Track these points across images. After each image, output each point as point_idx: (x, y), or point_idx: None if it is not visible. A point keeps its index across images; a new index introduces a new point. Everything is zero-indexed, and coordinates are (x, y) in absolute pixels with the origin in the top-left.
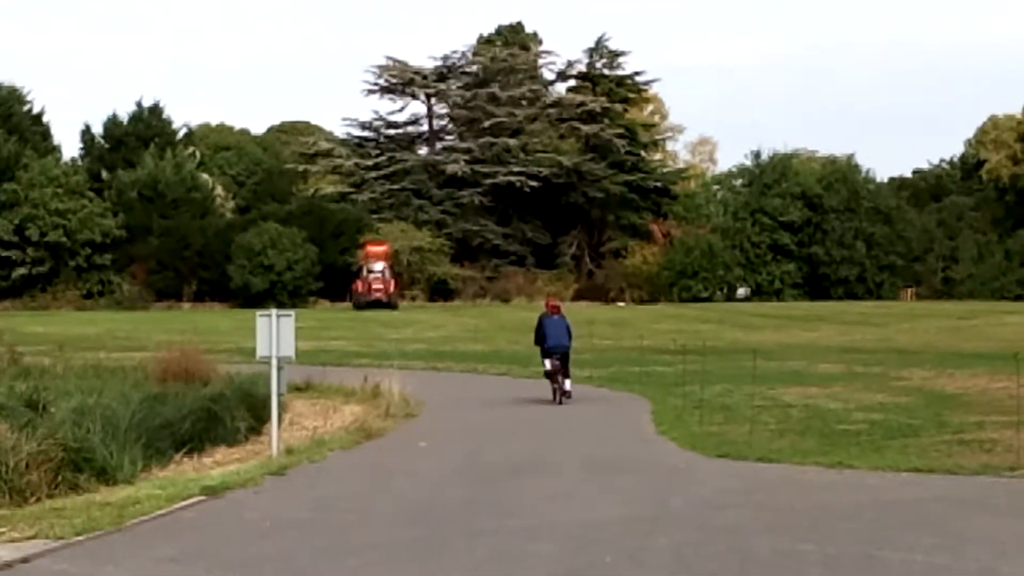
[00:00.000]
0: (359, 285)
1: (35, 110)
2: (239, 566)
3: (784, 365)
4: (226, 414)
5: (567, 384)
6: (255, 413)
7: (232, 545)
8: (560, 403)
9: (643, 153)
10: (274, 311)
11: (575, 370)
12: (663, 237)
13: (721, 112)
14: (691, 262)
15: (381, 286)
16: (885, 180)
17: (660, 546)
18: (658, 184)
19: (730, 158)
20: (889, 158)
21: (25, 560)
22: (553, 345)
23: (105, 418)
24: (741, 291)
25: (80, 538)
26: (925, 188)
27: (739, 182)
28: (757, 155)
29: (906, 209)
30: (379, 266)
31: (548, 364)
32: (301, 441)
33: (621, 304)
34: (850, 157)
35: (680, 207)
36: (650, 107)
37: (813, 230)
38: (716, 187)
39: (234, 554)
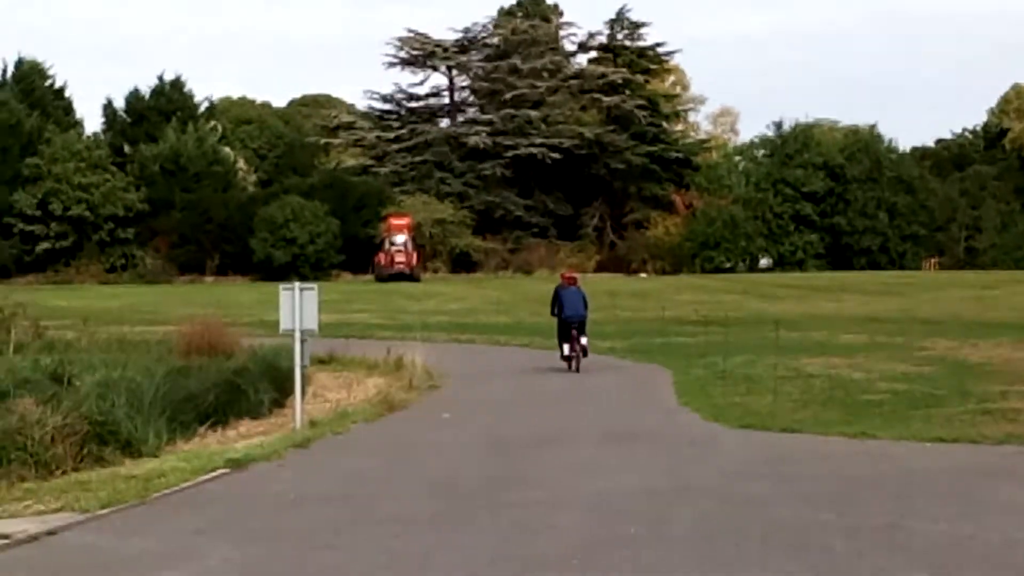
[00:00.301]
0: (381, 258)
1: (57, 84)
2: (264, 538)
3: (807, 336)
4: (250, 387)
5: (583, 340)
6: (278, 386)
7: (257, 518)
8: (577, 371)
9: (665, 124)
10: (297, 284)
11: (596, 341)
12: (685, 208)
13: (743, 83)
14: (713, 233)
15: (404, 258)
16: (908, 150)
17: (683, 517)
18: (680, 155)
19: (752, 129)
20: (912, 128)
21: (51, 533)
22: (570, 314)
23: (130, 391)
24: (763, 262)
25: (106, 511)
26: (948, 157)
27: (761, 153)
28: (779, 125)
29: (929, 179)
30: (401, 238)
31: (566, 349)
32: (324, 414)
33: (643, 275)
34: (872, 127)
35: (702, 178)
36: (671, 78)
37: (835, 200)
38: (738, 158)
39: (259, 526)
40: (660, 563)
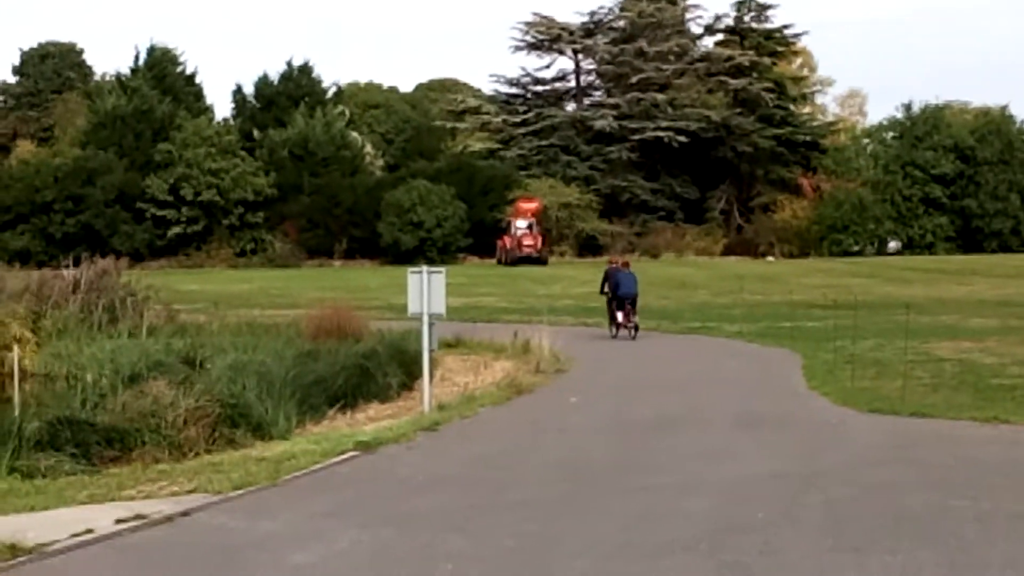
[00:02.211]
0: (507, 241)
1: (188, 71)
2: (393, 521)
3: (937, 319)
4: (378, 370)
5: (635, 319)
6: (406, 369)
7: (386, 500)
8: (633, 338)
9: (792, 107)
10: (425, 268)
11: (724, 325)
12: (812, 191)
13: (871, 64)
14: (841, 216)
15: (531, 242)
16: None
17: (813, 502)
18: (807, 138)
19: (880, 111)
20: None
21: (185, 514)
22: (625, 293)
23: (260, 374)
24: (892, 245)
25: (238, 492)
26: None
27: (890, 135)
28: (908, 107)
29: None
30: (527, 222)
31: (620, 316)
32: (452, 397)
33: (770, 259)
34: (1004, 108)
35: (830, 161)
36: (799, 60)
37: (966, 183)
38: (866, 140)
39: (388, 509)
40: (789, 548)
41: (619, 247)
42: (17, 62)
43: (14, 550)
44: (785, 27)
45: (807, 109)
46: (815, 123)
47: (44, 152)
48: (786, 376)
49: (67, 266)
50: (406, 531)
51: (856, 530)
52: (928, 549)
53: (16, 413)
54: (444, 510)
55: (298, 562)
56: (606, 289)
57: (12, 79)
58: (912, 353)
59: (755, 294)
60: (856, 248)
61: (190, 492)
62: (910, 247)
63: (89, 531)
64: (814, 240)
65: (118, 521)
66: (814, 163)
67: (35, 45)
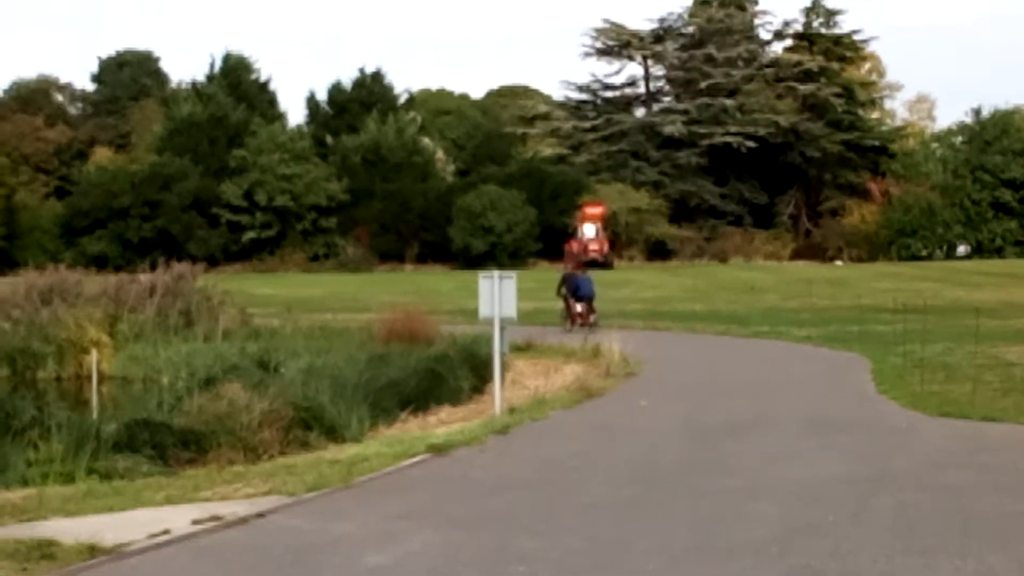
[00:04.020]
0: (574, 246)
1: (262, 78)
2: (465, 523)
3: (1006, 324)
4: (449, 374)
5: (594, 315)
6: (477, 373)
7: (458, 503)
8: (584, 329)
9: (861, 112)
10: (496, 272)
11: (792, 329)
12: (881, 195)
13: (940, 69)
14: (910, 220)
15: (597, 246)
16: None
17: (883, 506)
18: (876, 143)
19: (949, 115)
20: None
21: (260, 515)
22: (584, 294)
23: (333, 378)
24: (961, 249)
25: (312, 494)
26: None
27: (959, 139)
28: (977, 112)
29: None
30: (593, 227)
31: (579, 307)
32: (523, 400)
33: (839, 263)
34: None
35: (898, 165)
36: (867, 65)
37: None
38: (935, 145)
39: (460, 511)
40: (859, 551)
41: (688, 252)
42: (95, 70)
43: (93, 550)
44: (854, 32)
45: (876, 114)
46: (884, 128)
47: (121, 158)
48: (855, 380)
49: (143, 271)
50: (477, 533)
51: (926, 534)
52: (998, 553)
53: (94, 415)
54: (515, 512)
55: (371, 564)
56: (563, 291)
57: (90, 87)
58: (982, 357)
59: (823, 298)
60: (925, 252)
61: (265, 494)
62: (979, 251)
63: (166, 532)
64: (883, 244)
65: (194, 522)
66: (883, 168)
67: (113, 53)
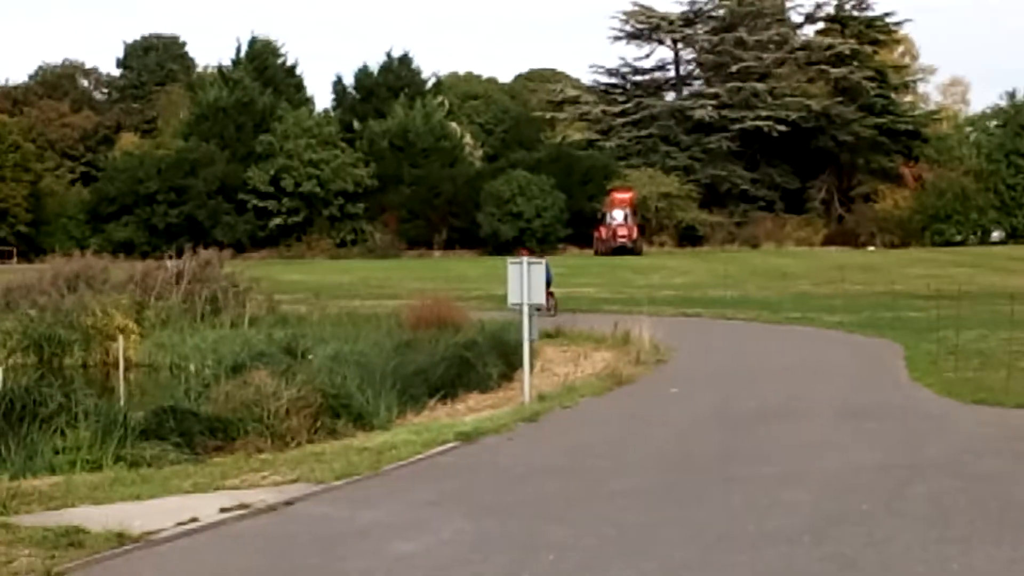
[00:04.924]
0: (602, 231)
1: (289, 63)
2: (495, 511)
3: None
4: (478, 361)
5: (552, 299)
6: (506, 360)
7: (487, 490)
8: (553, 313)
9: (893, 95)
10: (524, 258)
11: (824, 315)
12: (914, 180)
13: (974, 52)
14: (943, 205)
15: (626, 232)
16: None
17: (917, 494)
18: (909, 127)
19: (983, 99)
20: None
21: (289, 503)
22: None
23: (360, 365)
24: (996, 234)
25: (340, 482)
26: None
27: (993, 123)
28: (1012, 95)
29: None
30: (622, 212)
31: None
32: (552, 387)
33: (871, 249)
34: None
35: (932, 150)
36: (900, 48)
37: None
38: (969, 129)
39: (490, 499)
40: (893, 539)
41: (719, 237)
42: (121, 55)
43: (121, 538)
44: (887, 15)
45: (909, 98)
46: (917, 112)
47: (147, 144)
48: (888, 367)
49: (170, 257)
50: (507, 521)
51: (961, 522)
52: None
53: (121, 402)
54: (545, 500)
55: (401, 551)
56: None
57: (116, 72)
58: (1017, 343)
59: (856, 284)
60: (959, 238)
61: (293, 481)
62: (1014, 236)
63: (194, 520)
64: (916, 230)
65: (222, 510)
66: (916, 152)
67: (138, 38)
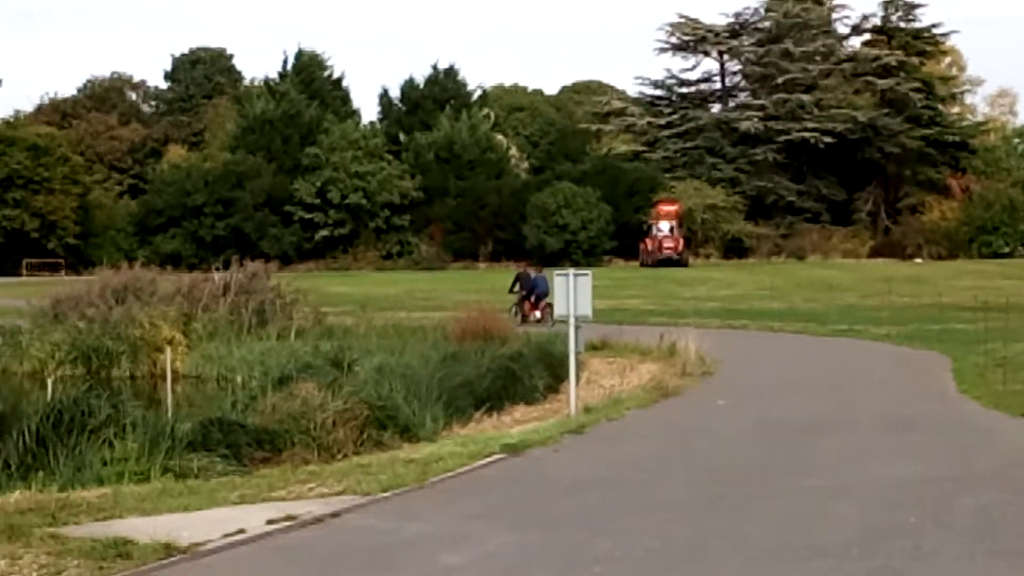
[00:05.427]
0: (648, 243)
1: (335, 75)
2: (541, 523)
3: None
4: (524, 373)
5: (549, 310)
6: (552, 371)
7: (533, 502)
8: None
9: (940, 107)
10: (571, 270)
11: (871, 328)
12: (962, 192)
13: (1022, 64)
14: (991, 217)
15: (672, 244)
16: None
17: (965, 507)
18: (956, 138)
19: None
20: None
21: (335, 515)
22: (541, 292)
23: (407, 377)
24: None
25: (386, 494)
26: None
27: None
28: None
29: None
30: (668, 224)
31: (529, 307)
32: (598, 399)
33: (918, 261)
34: None
35: (979, 161)
36: (947, 59)
37: None
38: (1017, 140)
39: (536, 511)
40: (941, 552)
41: (764, 249)
42: (169, 68)
43: (169, 549)
44: (934, 26)
45: (956, 109)
46: (964, 123)
47: (195, 156)
48: (935, 379)
49: (217, 269)
50: (553, 533)
51: (1009, 535)
52: None
53: (169, 414)
54: (591, 512)
55: (447, 563)
56: (517, 288)
57: (164, 85)
58: None
59: (903, 296)
60: (1007, 249)
61: (339, 493)
62: None
63: (241, 531)
64: (963, 241)
65: (269, 521)
66: (963, 164)
67: (186, 51)
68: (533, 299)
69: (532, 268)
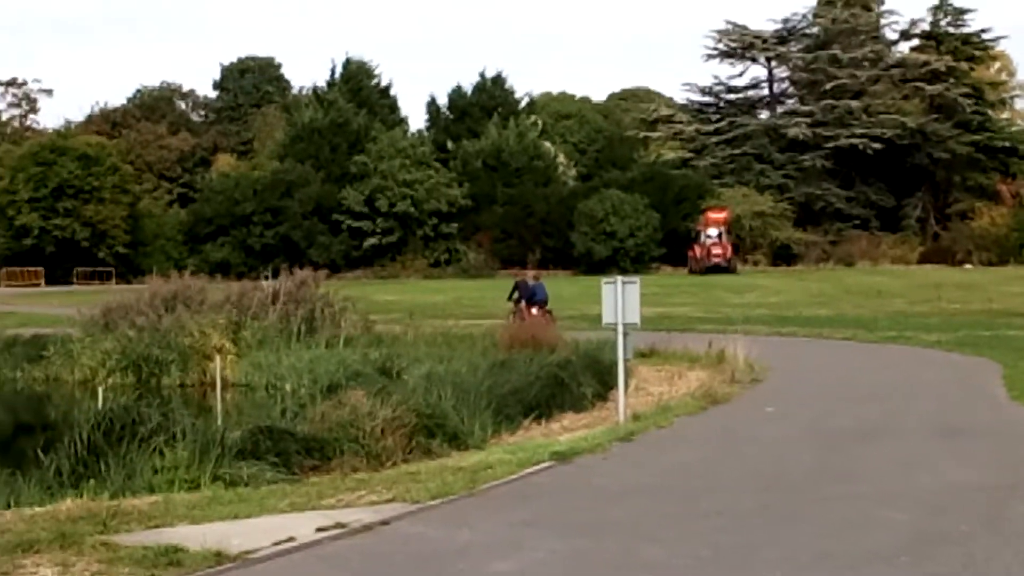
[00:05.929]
0: (697, 251)
1: (382, 84)
2: (590, 531)
3: None
4: (573, 380)
5: (550, 315)
6: (601, 379)
7: (582, 510)
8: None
9: (990, 112)
10: (619, 278)
11: (920, 334)
12: (1012, 198)
13: None
14: None
15: (720, 251)
16: None
17: (1018, 514)
18: (1006, 143)
19: None
20: None
21: (384, 523)
22: (540, 300)
23: (455, 384)
24: None
25: (435, 502)
26: None
27: None
28: None
29: None
30: (716, 231)
31: (536, 311)
32: (647, 407)
33: (968, 267)
34: None
35: None
36: (997, 64)
37: None
38: None
39: (585, 519)
40: (993, 560)
41: (813, 256)
42: (218, 77)
43: (219, 557)
44: (983, 31)
45: (1006, 114)
46: (1014, 128)
47: (243, 165)
48: (986, 386)
49: (266, 277)
50: (602, 541)
51: None
52: None
53: (219, 422)
54: (640, 520)
55: (497, 571)
56: (516, 296)
57: (213, 94)
58: None
59: (953, 303)
60: None
61: (388, 501)
62: None
63: (291, 539)
64: (1013, 247)
65: (319, 529)
66: (1013, 169)
67: (235, 60)
68: (530, 306)
69: (531, 276)
